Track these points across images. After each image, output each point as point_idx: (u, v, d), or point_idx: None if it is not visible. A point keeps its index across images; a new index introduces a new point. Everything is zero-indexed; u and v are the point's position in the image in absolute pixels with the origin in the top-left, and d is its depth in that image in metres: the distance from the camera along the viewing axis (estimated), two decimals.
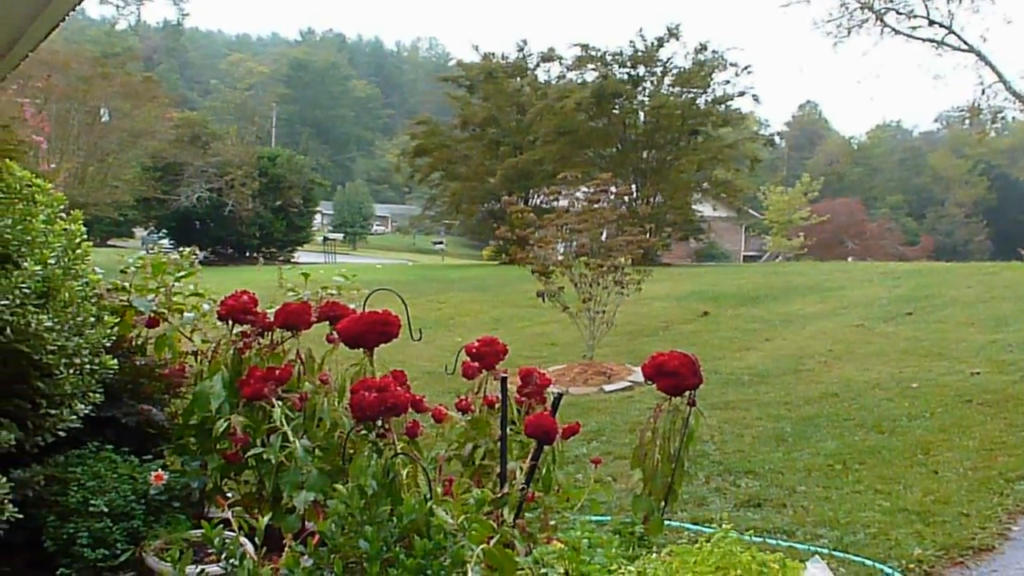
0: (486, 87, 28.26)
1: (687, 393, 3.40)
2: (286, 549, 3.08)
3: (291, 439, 3.35)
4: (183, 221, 27.57)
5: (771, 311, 11.91)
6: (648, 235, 8.85)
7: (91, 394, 3.48)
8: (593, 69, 26.76)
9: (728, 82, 26.36)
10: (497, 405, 3.61)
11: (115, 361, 3.64)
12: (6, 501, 2.96)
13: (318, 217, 40.57)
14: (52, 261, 3.35)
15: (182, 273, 4.09)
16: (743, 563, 2.47)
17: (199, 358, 4.14)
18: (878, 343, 9.28)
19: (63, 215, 3.70)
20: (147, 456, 3.79)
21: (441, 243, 50.92)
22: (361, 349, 3.56)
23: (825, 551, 3.99)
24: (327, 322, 3.94)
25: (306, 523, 3.35)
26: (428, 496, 2.42)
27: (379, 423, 2.59)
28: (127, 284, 4.03)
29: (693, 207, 26.94)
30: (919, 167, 68.18)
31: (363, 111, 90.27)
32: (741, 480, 4.99)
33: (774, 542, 4.11)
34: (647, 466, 3.37)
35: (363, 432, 2.66)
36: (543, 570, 2.42)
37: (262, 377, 3.50)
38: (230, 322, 3.73)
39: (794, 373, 7.95)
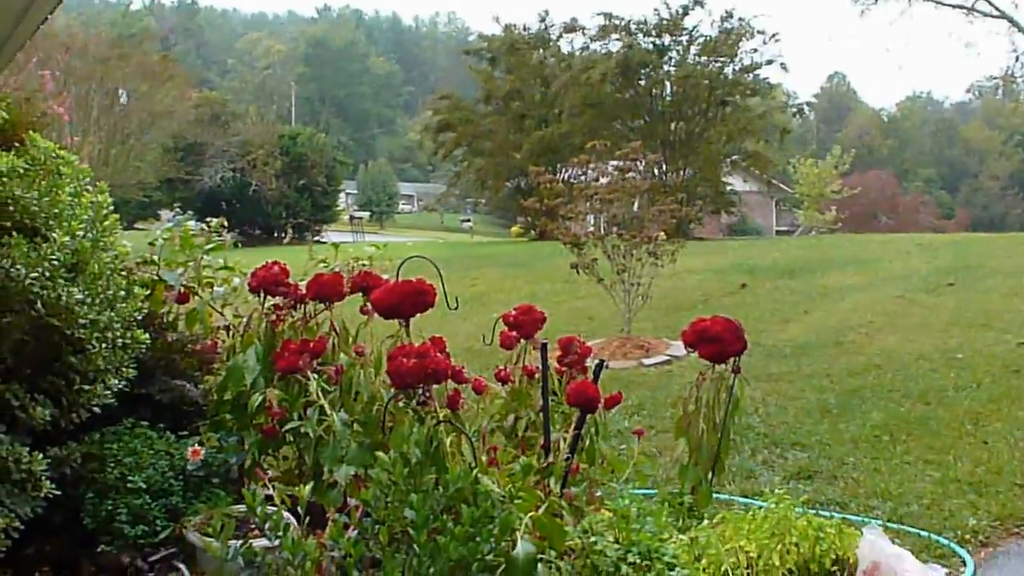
0: (509, 59, 28.00)
1: (731, 360, 3.34)
2: (329, 522, 3.10)
3: (328, 413, 3.34)
4: (209, 202, 27.66)
5: (810, 284, 11.76)
6: (680, 206, 8.67)
7: (124, 369, 3.48)
8: (617, 39, 26.39)
9: (756, 51, 25.99)
10: (537, 375, 3.57)
11: (147, 336, 3.64)
12: (43, 478, 2.97)
13: (342, 197, 40.71)
14: (80, 233, 3.34)
15: (211, 245, 4.07)
16: (799, 529, 2.41)
17: (231, 333, 4.14)
18: (920, 314, 9.13)
19: (88, 188, 3.70)
20: (183, 433, 3.80)
21: (468, 221, 50.87)
22: (396, 320, 3.55)
23: (879, 523, 3.93)
24: (360, 294, 3.93)
25: (348, 498, 3.36)
26: (473, 464, 2.38)
27: (419, 391, 2.56)
28: (156, 257, 4.02)
29: (723, 180, 26.60)
30: (951, 139, 67.20)
31: (383, 89, 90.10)
32: (788, 452, 4.93)
33: (828, 514, 4.05)
34: (691, 436, 3.32)
35: (403, 401, 2.62)
36: (593, 539, 2.38)
37: (297, 350, 3.48)
38: (262, 294, 3.72)
39: (836, 345, 7.83)
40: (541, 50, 28.71)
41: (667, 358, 7.39)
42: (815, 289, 11.18)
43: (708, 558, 2.43)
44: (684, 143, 25.72)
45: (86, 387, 3.34)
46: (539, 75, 28.19)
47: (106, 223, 3.50)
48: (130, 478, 3.26)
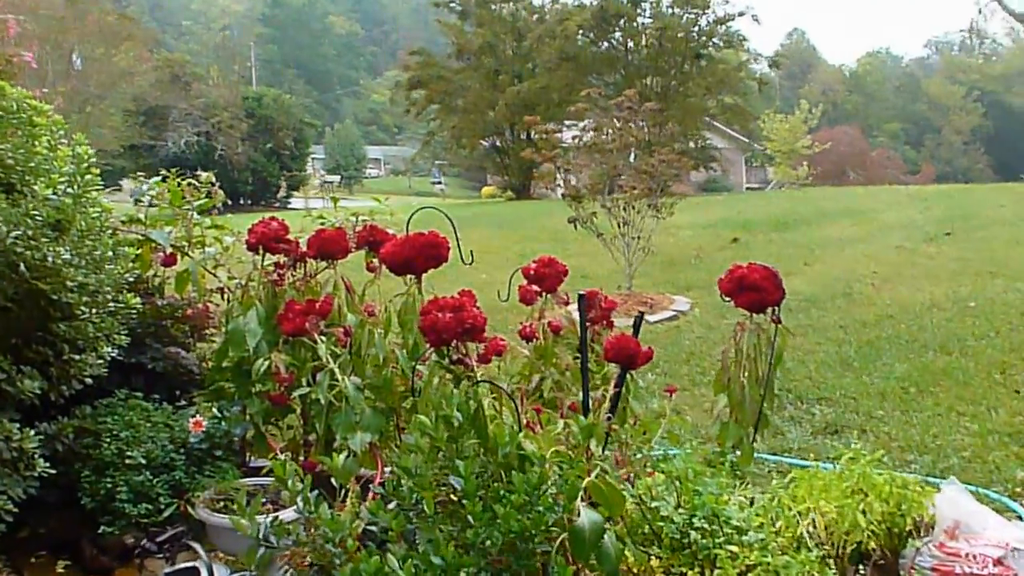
0: (480, 13, 27.47)
1: (770, 310, 3.18)
2: (348, 494, 2.93)
3: (339, 377, 3.16)
4: (174, 168, 26.82)
5: (805, 236, 11.67)
6: (680, 157, 8.48)
7: (116, 336, 3.27)
8: None
9: (728, 2, 25.85)
10: (563, 331, 3.40)
11: (138, 300, 3.42)
12: (36, 456, 2.77)
13: (310, 161, 40.04)
14: (62, 188, 3.10)
15: (200, 201, 3.84)
16: (878, 486, 2.28)
17: (225, 295, 3.94)
18: (924, 264, 9.06)
19: (64, 141, 3.44)
20: (181, 404, 3.61)
21: (440, 183, 50.50)
22: (407, 277, 3.37)
23: (920, 478, 3.83)
24: (363, 251, 3.74)
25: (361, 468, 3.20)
26: (518, 427, 2.21)
27: (454, 348, 2.37)
28: (142, 216, 3.79)
29: (703, 134, 26.46)
30: (914, 94, 67.85)
31: (345, 49, 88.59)
32: (814, 407, 4.81)
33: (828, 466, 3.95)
34: (733, 391, 3.17)
35: (435, 359, 2.44)
36: (654, 503, 2.23)
37: (302, 311, 3.28)
38: (260, 253, 3.51)
39: (844, 296, 7.74)
40: (512, 3, 28.19)
41: (673, 313, 7.25)
42: (812, 241, 11.09)
43: (784, 520, 2.29)
44: (661, 97, 25.46)
45: (76, 356, 3.13)
46: (512, 29, 27.71)
47: (87, 177, 3.25)
48: (129, 453, 3.07)
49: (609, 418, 2.76)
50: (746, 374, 3.15)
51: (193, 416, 3.28)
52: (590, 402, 2.76)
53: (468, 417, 2.12)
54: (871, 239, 11.05)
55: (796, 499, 2.37)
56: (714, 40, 26.08)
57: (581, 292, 2.91)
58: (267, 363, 3.24)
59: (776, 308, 3.15)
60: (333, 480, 2.78)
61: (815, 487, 2.37)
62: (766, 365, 3.16)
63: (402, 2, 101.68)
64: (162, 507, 3.02)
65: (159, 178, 3.80)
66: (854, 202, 15.67)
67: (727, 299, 3.24)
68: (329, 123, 62.69)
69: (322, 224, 4.16)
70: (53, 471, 2.82)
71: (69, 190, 3.13)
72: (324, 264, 3.61)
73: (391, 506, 2.17)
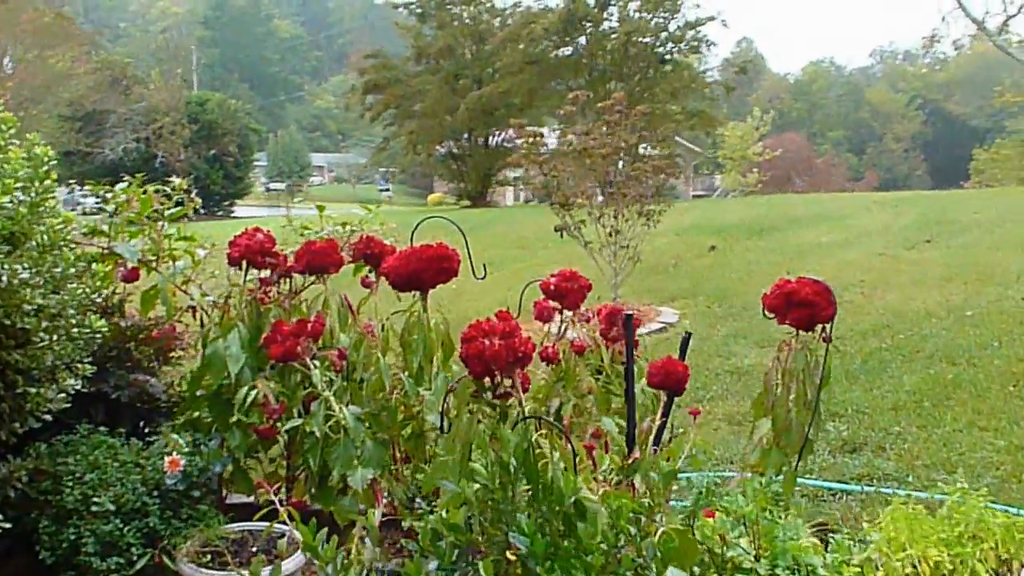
0: (440, 15, 27.16)
1: (819, 327, 2.96)
2: (353, 534, 2.63)
3: (334, 406, 2.88)
4: (112, 176, 25.99)
5: (783, 242, 11.60)
6: (669, 163, 8.32)
7: (79, 365, 2.93)
8: None
9: (698, 5, 26.03)
10: (587, 351, 3.15)
11: (103, 323, 3.08)
12: None
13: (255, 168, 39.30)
14: (18, 195, 2.76)
15: (172, 210, 3.50)
16: (999, 531, 2.04)
17: (198, 314, 3.61)
18: (910, 271, 9.01)
19: (15, 142, 3.09)
20: (151, 439, 3.27)
21: (388, 190, 50.22)
22: (412, 293, 3.10)
23: (949, 497, 3.66)
24: (352, 263, 3.45)
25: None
26: (575, 471, 1.94)
27: (499, 379, 2.09)
28: (106, 227, 3.43)
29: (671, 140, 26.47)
30: (858, 103, 69.76)
31: (289, 53, 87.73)
32: (828, 424, 4.63)
33: (889, 491, 3.76)
34: (778, 414, 2.95)
35: (475, 392, 2.15)
36: (730, 553, 1.98)
37: (292, 332, 2.98)
38: (243, 268, 3.20)
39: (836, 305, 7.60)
40: (473, 6, 27.94)
41: (661, 325, 7.06)
42: (790, 248, 11.02)
43: (886, 571, 2.05)
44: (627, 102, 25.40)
45: (32, 389, 2.78)
46: (473, 31, 27.45)
47: (45, 183, 2.90)
48: (95, 499, 2.73)
49: (655, 451, 2.52)
50: (792, 396, 2.93)
51: (168, 453, 2.95)
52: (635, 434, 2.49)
53: (524, 461, 1.85)
54: (851, 245, 11.02)
55: (892, 543, 2.14)
56: (681, 46, 26.15)
57: (628, 312, 2.65)
58: (253, 392, 2.93)
59: (827, 325, 2.93)
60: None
61: (916, 530, 2.13)
62: (813, 386, 2.93)
63: (348, 6, 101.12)
64: (135, 558, 2.70)
65: (125, 184, 3.44)
66: (823, 208, 15.69)
67: (770, 315, 3.00)
68: (272, 129, 61.90)
69: (304, 235, 3.86)
70: (6, 524, 2.49)
71: (24, 197, 2.78)
72: (310, 279, 3.34)
73: (432, 566, 1.88)
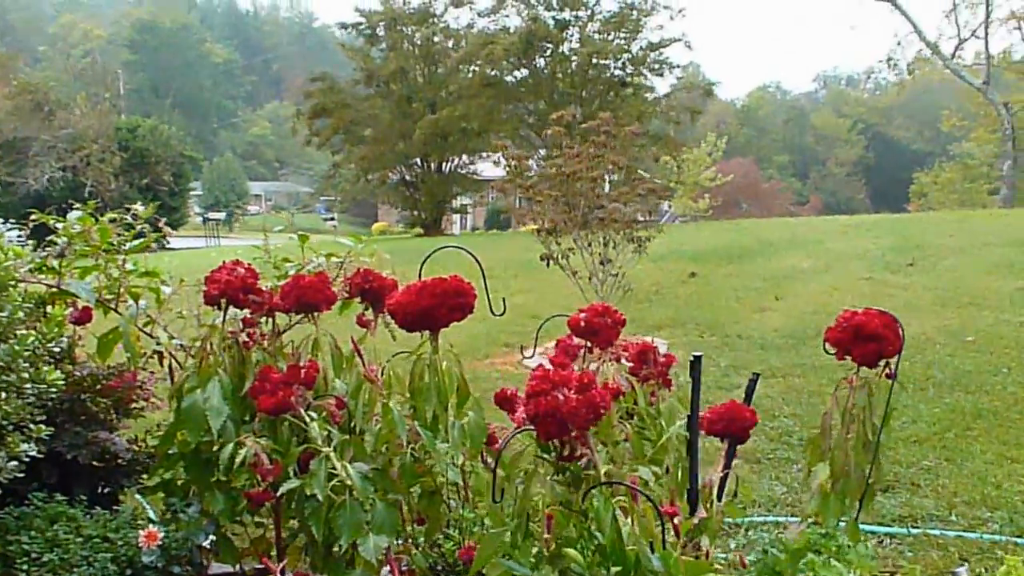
0: (391, 36, 26.99)
1: (884, 363, 2.78)
2: None
3: (336, 464, 2.63)
4: (35, 208, 25.17)
5: (764, 268, 11.59)
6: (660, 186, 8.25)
7: (32, 426, 2.63)
8: (507, 14, 26.15)
9: (661, 27, 26.34)
10: (624, 395, 2.93)
11: (59, 375, 2.79)
12: None
13: (191, 197, 38.60)
14: None
15: (135, 242, 3.20)
16: None
17: (166, 360, 3.32)
18: (900, 295, 9.01)
19: None
20: (118, 508, 2.96)
21: (333, 219, 49.87)
22: (419, 333, 2.87)
23: (1000, 538, 3.52)
24: (347, 300, 3.20)
25: None
26: (663, 544, 1.71)
27: (570, 440, 1.85)
28: (56, 264, 3.12)
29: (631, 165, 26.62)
30: (803, 127, 72.46)
31: (222, 78, 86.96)
32: None
33: (937, 532, 3.61)
34: (837, 458, 2.76)
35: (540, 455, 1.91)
36: None
37: (284, 381, 2.73)
38: (223, 307, 2.93)
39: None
40: (425, 27, 27.81)
41: None
42: (773, 274, 10.99)
43: None
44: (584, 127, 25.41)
45: None
46: (425, 53, 27.32)
47: None
48: None
49: (720, 510, 2.30)
50: (851, 438, 2.74)
51: (142, 524, 2.66)
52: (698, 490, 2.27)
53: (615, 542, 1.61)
54: (832, 270, 11.04)
55: None
56: (642, 68, 26.39)
57: (696, 354, 2.44)
58: (244, 451, 2.65)
59: (896, 360, 2.75)
60: None
61: None
62: (874, 427, 2.75)
63: (284, 30, 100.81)
64: None
65: (78, 213, 3.15)
66: (795, 232, 15.81)
67: (831, 351, 2.82)
68: (207, 156, 61.12)
69: (277, 267, 3.58)
70: None
71: None
72: (295, 319, 3.09)
73: None
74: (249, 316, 2.94)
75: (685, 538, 2.15)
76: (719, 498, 2.42)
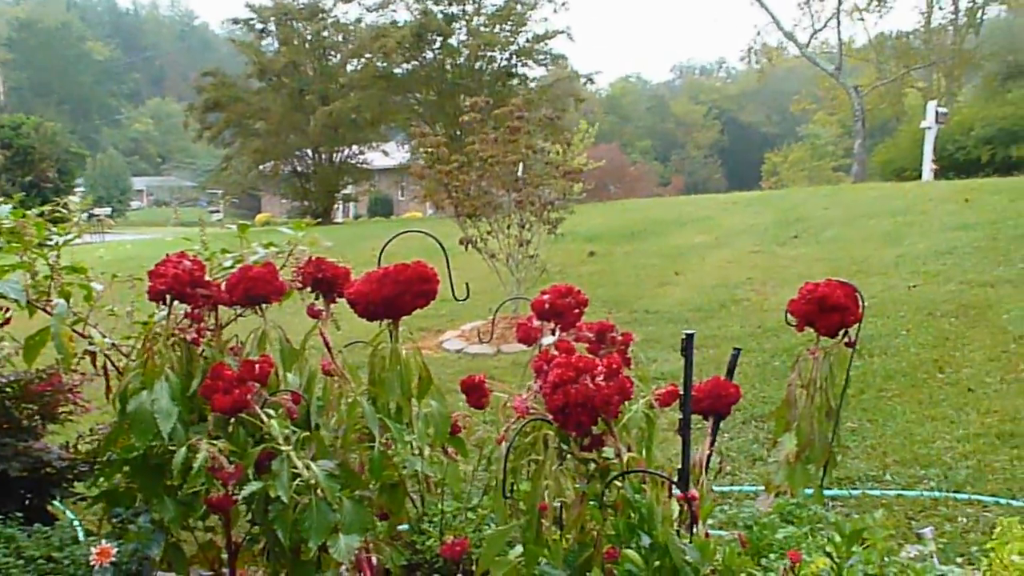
0: (282, 31, 26.20)
1: (843, 332, 2.71)
2: None
3: (298, 463, 2.42)
4: None
5: (660, 245, 11.63)
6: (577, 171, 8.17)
7: None
8: (394, 10, 25.83)
9: (546, 19, 26.44)
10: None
11: None
12: None
13: (77, 194, 36.61)
14: None
15: (67, 236, 2.86)
16: None
17: (99, 360, 3.02)
18: (792, 267, 9.15)
19: None
20: (63, 523, 2.65)
21: (218, 212, 48.44)
22: (380, 322, 2.69)
23: (939, 494, 3.54)
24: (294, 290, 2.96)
25: None
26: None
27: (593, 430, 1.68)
28: None
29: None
30: (663, 114, 75.01)
31: (104, 76, 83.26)
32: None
33: (877, 493, 3.61)
34: (803, 428, 2.69)
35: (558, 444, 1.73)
36: None
37: (239, 379, 2.49)
38: (168, 303, 2.65)
39: (735, 303, 7.59)
40: (315, 21, 27.06)
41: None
42: (670, 250, 11.04)
43: None
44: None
45: None
46: (316, 47, 26.62)
47: None
48: None
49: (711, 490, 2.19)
50: (815, 407, 2.67)
51: (94, 544, 2.38)
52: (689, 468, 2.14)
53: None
54: (724, 245, 11.16)
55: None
56: (528, 60, 26.50)
57: (689, 332, 2.30)
58: (199, 455, 2.39)
59: (857, 328, 2.70)
60: None
61: None
62: (835, 395, 2.69)
63: (165, 28, 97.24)
64: None
65: (7, 207, 2.79)
66: (683, 211, 15.96)
67: (792, 322, 2.74)
68: (91, 154, 58.42)
69: (232, 259, 3.29)
70: None
71: None
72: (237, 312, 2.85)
73: None
74: (194, 311, 2.67)
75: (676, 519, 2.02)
76: (705, 473, 2.30)
